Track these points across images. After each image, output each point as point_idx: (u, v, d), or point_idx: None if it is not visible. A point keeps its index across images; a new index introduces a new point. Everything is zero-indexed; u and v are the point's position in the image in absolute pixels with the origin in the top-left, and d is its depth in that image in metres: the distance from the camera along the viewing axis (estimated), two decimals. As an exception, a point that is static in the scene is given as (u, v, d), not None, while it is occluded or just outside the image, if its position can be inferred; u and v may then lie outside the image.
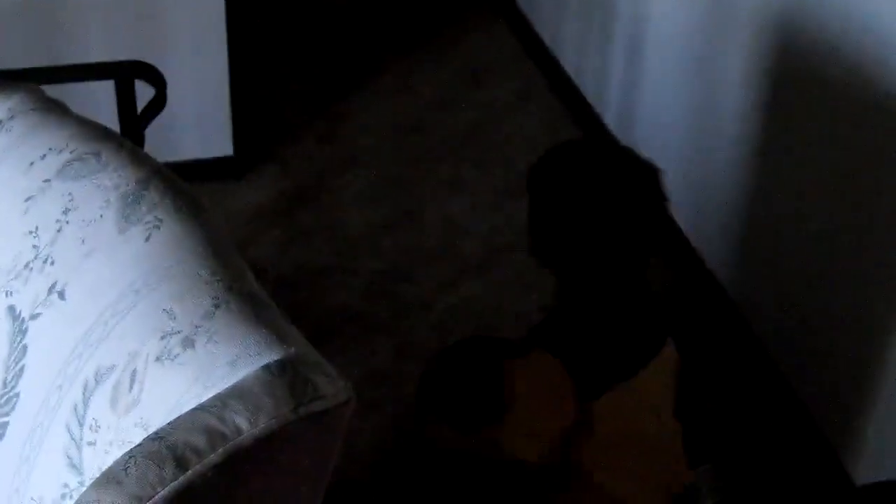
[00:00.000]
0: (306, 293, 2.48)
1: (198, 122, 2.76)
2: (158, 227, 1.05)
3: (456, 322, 2.41)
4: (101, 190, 1.11)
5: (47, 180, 1.16)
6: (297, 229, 2.69)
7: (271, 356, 0.89)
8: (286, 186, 2.85)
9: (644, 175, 1.61)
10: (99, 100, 1.91)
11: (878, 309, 1.87)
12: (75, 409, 0.98)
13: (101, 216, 1.08)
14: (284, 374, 0.87)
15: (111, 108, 1.86)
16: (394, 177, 2.90)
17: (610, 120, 2.95)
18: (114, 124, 1.70)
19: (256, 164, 2.90)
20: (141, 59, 1.93)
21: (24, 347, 1.07)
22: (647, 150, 2.75)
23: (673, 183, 2.60)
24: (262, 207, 2.77)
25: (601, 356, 1.58)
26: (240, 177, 2.83)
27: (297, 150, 3.00)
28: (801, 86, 2.05)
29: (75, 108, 1.34)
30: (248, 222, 2.71)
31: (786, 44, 2.08)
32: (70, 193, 1.12)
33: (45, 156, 1.19)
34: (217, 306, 0.95)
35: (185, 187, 1.13)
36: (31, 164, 1.19)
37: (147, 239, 1.04)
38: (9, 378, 1.08)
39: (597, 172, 1.61)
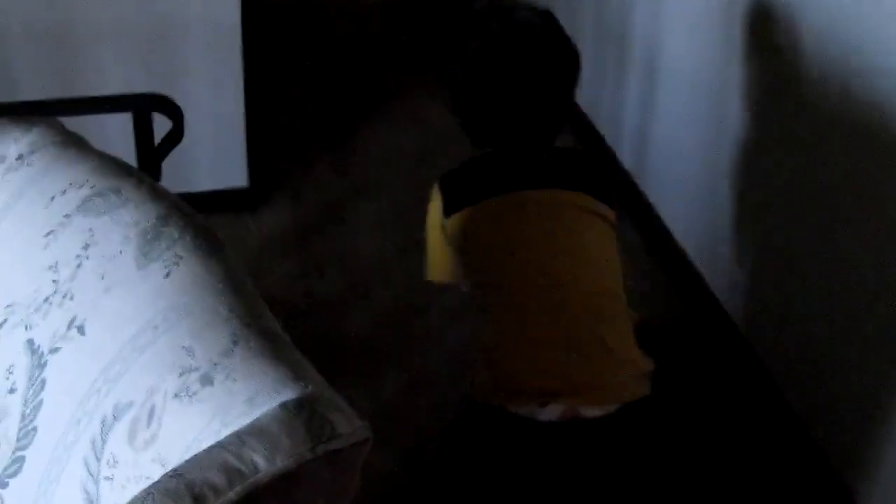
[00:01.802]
0: (318, 323, 2.48)
1: (213, 154, 2.78)
2: (178, 264, 1.06)
3: (467, 353, 2.40)
4: (120, 226, 1.12)
5: (68, 215, 1.17)
6: (310, 260, 2.70)
7: (289, 394, 0.90)
8: (299, 217, 2.87)
9: (560, 55, 1.77)
10: (114, 130, 1.93)
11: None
12: (93, 444, 0.99)
13: (121, 252, 1.09)
14: (302, 412, 0.88)
15: (127, 139, 1.88)
16: (406, 207, 2.91)
17: (624, 153, 2.97)
18: (129, 155, 1.71)
19: (270, 195, 2.92)
20: (158, 92, 1.94)
21: (43, 381, 1.08)
22: (661, 182, 2.79)
23: (686, 211, 2.62)
24: (276, 238, 2.79)
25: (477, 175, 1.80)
26: (254, 208, 2.85)
27: (310, 181, 3.02)
28: (807, 111, 2.06)
29: (91, 137, 1.35)
30: (262, 253, 2.72)
31: (790, 71, 2.09)
32: (90, 229, 1.13)
33: (65, 191, 1.20)
34: (235, 343, 0.96)
35: (203, 223, 1.15)
36: (52, 198, 1.20)
37: (166, 276, 1.05)
38: (27, 412, 1.08)
39: (517, 47, 1.77)
